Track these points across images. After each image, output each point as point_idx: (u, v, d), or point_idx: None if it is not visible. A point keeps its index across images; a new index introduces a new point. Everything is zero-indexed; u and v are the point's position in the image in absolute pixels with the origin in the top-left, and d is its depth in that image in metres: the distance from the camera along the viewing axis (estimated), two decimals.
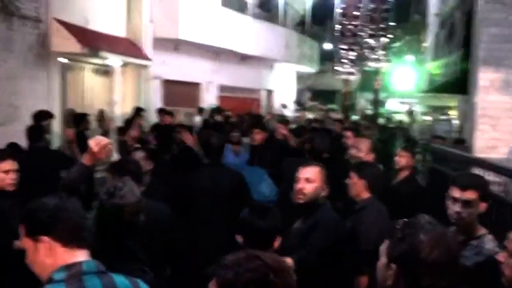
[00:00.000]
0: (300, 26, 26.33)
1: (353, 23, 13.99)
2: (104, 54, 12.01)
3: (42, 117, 7.50)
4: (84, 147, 8.41)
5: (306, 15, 26.33)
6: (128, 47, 13.76)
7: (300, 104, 28.79)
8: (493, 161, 6.00)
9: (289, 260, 2.88)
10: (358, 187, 4.23)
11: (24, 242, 2.21)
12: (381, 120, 22.87)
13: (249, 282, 1.67)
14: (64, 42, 10.74)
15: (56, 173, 5.45)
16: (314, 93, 35.07)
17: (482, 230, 3.29)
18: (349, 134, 7.31)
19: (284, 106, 23.66)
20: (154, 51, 14.75)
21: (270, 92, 23.60)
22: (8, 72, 9.65)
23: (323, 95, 34.99)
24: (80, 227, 2.24)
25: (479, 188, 3.29)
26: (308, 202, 3.86)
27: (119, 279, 2.24)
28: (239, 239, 3.10)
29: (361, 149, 5.39)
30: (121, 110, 14.04)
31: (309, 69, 25.97)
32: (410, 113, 30.28)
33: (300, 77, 29.12)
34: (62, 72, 11.55)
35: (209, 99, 18.30)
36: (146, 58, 14.35)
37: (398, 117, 29.13)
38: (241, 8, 19.09)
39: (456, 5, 12.57)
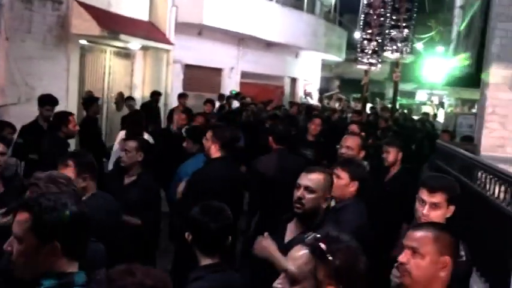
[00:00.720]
0: (330, 13, 26.07)
1: (377, 12, 13.79)
2: (125, 38, 12.07)
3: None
4: (93, 132, 8.59)
5: (336, 4, 26.07)
6: (150, 31, 13.82)
7: (327, 92, 28.61)
8: (501, 159, 5.90)
9: None
10: (347, 187, 4.16)
11: (26, 239, 2.10)
12: (402, 112, 22.60)
13: None
14: (84, 25, 10.83)
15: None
16: (343, 81, 34.79)
17: None
18: (353, 127, 7.16)
19: (307, 94, 23.56)
20: (177, 36, 14.79)
21: (294, 80, 23.49)
22: (25, 52, 9.79)
23: (352, 84, 34.71)
24: (85, 239, 2.23)
25: (447, 191, 3.27)
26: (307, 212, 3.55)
27: None
28: (188, 236, 3.07)
29: (351, 147, 5.27)
30: (141, 93, 14.18)
31: (336, 58, 25.73)
32: (440, 105, 29.87)
33: (328, 65, 28.91)
34: (81, 54, 11.68)
35: (231, 85, 18.31)
36: (168, 42, 14.39)
37: (425, 109, 28.78)
38: None
39: None
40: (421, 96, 36.00)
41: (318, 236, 2.06)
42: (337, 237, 2.06)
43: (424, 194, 3.28)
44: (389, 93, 37.10)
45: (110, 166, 7.88)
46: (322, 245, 1.99)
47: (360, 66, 14.63)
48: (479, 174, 5.29)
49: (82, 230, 2.18)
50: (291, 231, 3.56)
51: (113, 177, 5.43)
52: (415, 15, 16.15)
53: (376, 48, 13.73)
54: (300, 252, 2.04)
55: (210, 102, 11.81)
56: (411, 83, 33.18)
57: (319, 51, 23.17)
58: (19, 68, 9.58)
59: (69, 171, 3.69)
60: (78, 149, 6.13)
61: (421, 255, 2.42)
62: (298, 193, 3.50)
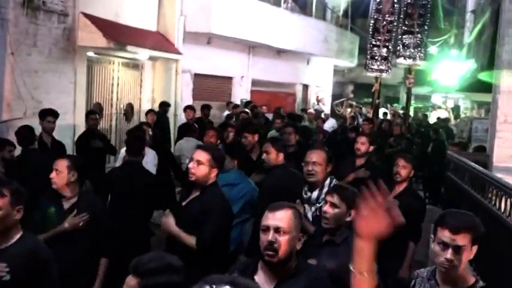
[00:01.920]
0: (343, 18, 25.87)
1: (387, 18, 13.56)
2: (132, 49, 12.03)
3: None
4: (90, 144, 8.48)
5: (348, 9, 25.87)
6: (158, 41, 13.76)
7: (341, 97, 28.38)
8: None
9: None
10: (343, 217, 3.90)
11: None
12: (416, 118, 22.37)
13: None
14: (90, 37, 10.81)
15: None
16: (356, 86, 34.54)
17: (472, 278, 2.92)
18: (363, 140, 6.80)
19: (319, 101, 23.37)
20: (185, 45, 14.71)
21: (306, 87, 23.32)
22: (31, 66, 9.78)
23: (365, 89, 34.44)
24: None
25: (472, 231, 2.88)
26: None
27: None
28: None
29: (318, 162, 4.82)
30: (151, 104, 14.11)
31: (349, 63, 25.52)
32: (454, 109, 29.55)
33: (341, 70, 28.69)
34: (89, 66, 11.63)
35: (242, 93, 18.20)
36: (177, 52, 14.33)
37: (440, 113, 28.47)
38: (277, 2, 18.86)
39: (488, 2, 12.09)
40: (436, 99, 35.63)
41: None
42: None
43: (445, 235, 2.85)
44: (404, 97, 36.78)
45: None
46: None
47: (369, 74, 14.45)
48: (490, 189, 5.10)
49: None
50: (261, 284, 2.95)
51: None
52: (428, 21, 15.92)
53: (386, 55, 13.51)
54: None
55: (190, 108, 11.54)
56: (426, 86, 32.86)
57: (331, 57, 22.99)
58: (25, 82, 9.56)
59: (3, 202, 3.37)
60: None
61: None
62: (268, 237, 2.98)
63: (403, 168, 5.70)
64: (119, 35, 11.57)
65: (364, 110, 22.08)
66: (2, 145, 6.82)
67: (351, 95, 31.28)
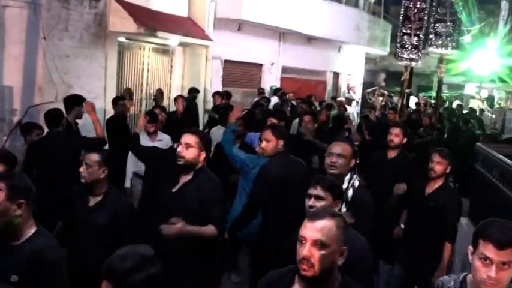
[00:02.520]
0: (375, 6, 25.56)
1: (418, 6, 13.26)
2: (162, 34, 12.05)
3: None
4: (121, 131, 8.56)
5: None
6: (189, 27, 13.77)
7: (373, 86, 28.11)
8: None
9: None
10: None
11: None
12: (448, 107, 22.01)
13: None
14: (121, 22, 10.85)
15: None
16: (388, 75, 34.15)
17: None
18: (397, 131, 6.48)
19: (350, 89, 23.19)
20: (216, 31, 14.71)
21: (336, 75, 23.15)
22: (63, 51, 9.86)
23: (397, 77, 33.99)
24: None
25: None
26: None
27: None
28: None
29: (343, 155, 4.54)
30: (180, 90, 14.17)
31: (380, 51, 25.25)
32: (488, 99, 29.04)
33: (373, 58, 28.41)
34: (119, 51, 11.71)
35: (271, 80, 18.15)
36: (207, 38, 14.33)
37: (473, 103, 28.02)
38: None
39: None
40: (469, 89, 35.05)
41: None
42: None
43: (489, 251, 2.61)
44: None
45: (130, 169, 7.86)
46: None
47: (399, 63, 14.22)
48: None
49: None
50: None
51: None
52: (461, 9, 15.64)
53: (417, 43, 13.25)
54: None
55: (218, 94, 11.61)
56: (459, 76, 32.34)
57: (363, 45, 22.78)
58: (56, 67, 9.65)
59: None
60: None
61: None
62: (304, 250, 2.62)
63: (438, 165, 5.42)
64: (149, 20, 11.60)
65: (395, 99, 21.80)
66: (30, 129, 6.93)
67: (383, 84, 30.96)
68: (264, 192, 5.14)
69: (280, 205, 5.00)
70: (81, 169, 4.39)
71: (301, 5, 17.30)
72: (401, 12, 13.76)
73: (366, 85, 26.79)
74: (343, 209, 4.14)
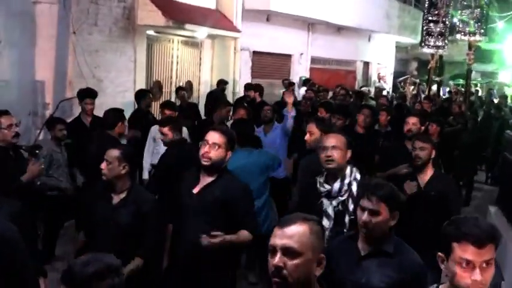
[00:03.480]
0: None
1: None
2: (191, 27, 12.10)
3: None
4: (144, 125, 8.59)
5: None
6: (217, 19, 13.79)
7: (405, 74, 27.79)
8: None
9: None
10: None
11: None
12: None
13: None
14: (149, 15, 10.94)
15: None
16: (420, 63, 33.71)
17: None
18: (414, 120, 6.37)
19: (380, 78, 22.97)
20: (244, 23, 14.70)
21: (366, 64, 22.95)
22: (92, 45, 10.00)
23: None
24: None
25: (496, 239, 2.40)
26: None
27: None
28: None
29: (337, 146, 4.17)
30: (209, 82, 14.23)
31: (411, 40, 24.93)
32: None
33: (404, 47, 28.07)
34: (148, 44, 11.80)
35: (301, 71, 18.09)
36: (235, 30, 14.34)
37: (508, 91, 27.47)
38: None
39: None
40: (503, 77, 34.40)
41: None
42: None
43: (470, 253, 2.34)
44: (471, 74, 35.54)
45: (147, 161, 7.87)
46: None
47: (425, 50, 14.01)
48: None
49: None
50: None
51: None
52: None
53: (443, 30, 13.00)
54: None
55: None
56: (492, 63, 31.74)
57: (393, 34, 22.52)
58: (86, 61, 9.79)
59: None
60: None
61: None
62: (274, 260, 2.27)
63: (421, 150, 5.10)
64: (177, 13, 11.66)
65: (426, 87, 21.54)
66: (53, 124, 7.02)
67: (415, 72, 30.56)
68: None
69: None
70: (102, 165, 4.25)
71: None
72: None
73: (397, 74, 26.50)
74: (351, 206, 3.94)
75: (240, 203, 4.11)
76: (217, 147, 4.07)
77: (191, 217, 4.12)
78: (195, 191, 4.15)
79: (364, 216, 3.14)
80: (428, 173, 5.13)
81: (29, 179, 5.14)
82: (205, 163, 4.07)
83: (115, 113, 6.83)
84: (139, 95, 9.40)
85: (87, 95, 7.92)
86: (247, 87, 12.37)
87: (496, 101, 18.79)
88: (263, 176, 5.99)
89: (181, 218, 4.20)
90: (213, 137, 4.09)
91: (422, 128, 6.43)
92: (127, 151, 4.36)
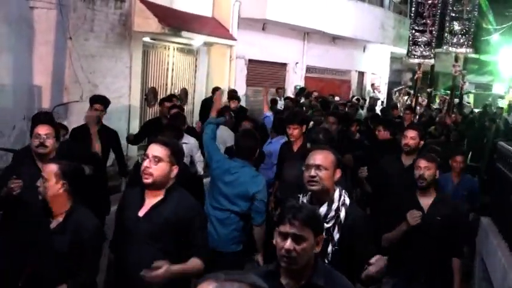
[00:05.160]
0: (401, 5, 25.40)
1: (430, 2, 13.08)
2: (187, 34, 12.18)
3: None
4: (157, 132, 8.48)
5: None
6: (213, 27, 13.86)
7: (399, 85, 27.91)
8: None
9: None
10: None
11: None
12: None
13: None
14: (146, 22, 11.00)
15: None
16: (414, 74, 33.86)
17: None
18: (413, 134, 5.76)
19: (375, 88, 23.08)
20: (240, 31, 14.78)
21: (361, 74, 23.07)
22: (88, 51, 10.03)
23: (424, 77, 33.71)
24: None
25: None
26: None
27: None
28: None
29: (323, 166, 3.53)
30: (205, 89, 14.27)
31: (406, 50, 25.07)
32: None
33: (399, 57, 28.22)
34: (144, 51, 11.84)
35: (296, 80, 18.18)
36: (231, 38, 14.42)
37: (501, 103, 27.63)
38: None
39: None
40: (497, 89, 34.58)
41: None
42: None
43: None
44: (465, 86, 35.64)
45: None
46: None
47: (411, 60, 14.05)
48: None
49: None
50: None
51: None
52: (476, 7, 15.33)
53: (429, 40, 13.06)
54: None
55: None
56: (487, 75, 31.93)
57: (388, 44, 22.66)
58: (82, 66, 9.82)
59: None
60: None
61: None
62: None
63: (427, 170, 4.61)
64: (174, 20, 11.72)
65: (420, 98, 21.65)
66: None
67: (409, 83, 30.70)
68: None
69: None
70: (38, 183, 3.68)
71: (325, 4, 17.28)
72: (413, 9, 13.58)
73: (393, 84, 26.63)
74: (336, 235, 3.46)
75: (193, 225, 3.59)
76: (159, 161, 3.53)
77: (137, 244, 3.55)
78: (141, 213, 3.58)
79: (287, 244, 2.63)
80: (431, 195, 4.66)
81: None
82: (146, 180, 3.52)
83: None
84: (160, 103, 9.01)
85: (97, 101, 7.84)
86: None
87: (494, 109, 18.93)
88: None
89: (125, 246, 3.63)
90: (154, 149, 3.56)
91: (422, 142, 5.92)
92: (67, 168, 3.68)
